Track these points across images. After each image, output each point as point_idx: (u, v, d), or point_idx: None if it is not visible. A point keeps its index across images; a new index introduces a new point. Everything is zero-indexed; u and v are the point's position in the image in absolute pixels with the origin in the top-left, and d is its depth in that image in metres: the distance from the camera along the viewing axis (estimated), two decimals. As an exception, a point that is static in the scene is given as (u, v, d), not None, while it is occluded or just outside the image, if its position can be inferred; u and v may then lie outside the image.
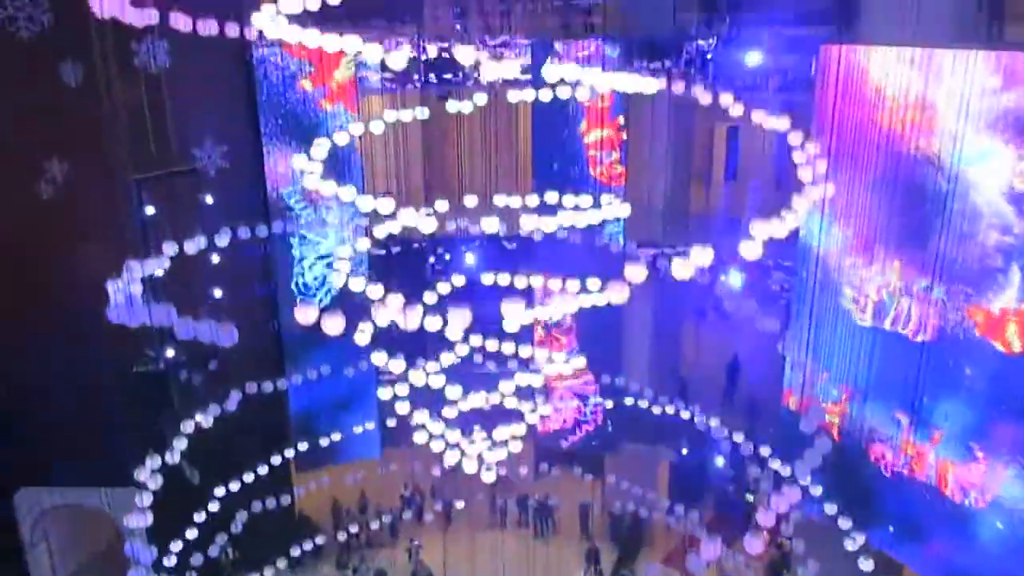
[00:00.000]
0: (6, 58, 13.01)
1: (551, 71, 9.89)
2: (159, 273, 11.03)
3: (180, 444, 11.82)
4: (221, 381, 13.83)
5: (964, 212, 12.60)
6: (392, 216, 10.03)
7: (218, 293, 15.43)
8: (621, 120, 17.35)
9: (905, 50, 12.95)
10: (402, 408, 10.66)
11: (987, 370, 12.65)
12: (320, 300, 17.20)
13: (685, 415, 14.77)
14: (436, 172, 19.24)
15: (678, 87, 11.49)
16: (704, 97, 10.94)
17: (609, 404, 17.35)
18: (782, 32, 16.36)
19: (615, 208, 11.63)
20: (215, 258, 14.71)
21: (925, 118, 12.86)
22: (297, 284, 17.21)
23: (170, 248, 11.27)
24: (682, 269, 7.10)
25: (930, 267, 13.10)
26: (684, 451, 17.64)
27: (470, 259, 18.51)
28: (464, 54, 8.90)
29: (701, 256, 7.19)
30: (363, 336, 9.71)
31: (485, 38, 16.36)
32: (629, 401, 15.93)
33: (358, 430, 16.82)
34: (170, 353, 13.96)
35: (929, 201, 13.06)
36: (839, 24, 15.18)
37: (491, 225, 10.74)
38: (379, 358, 9.64)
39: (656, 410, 15.13)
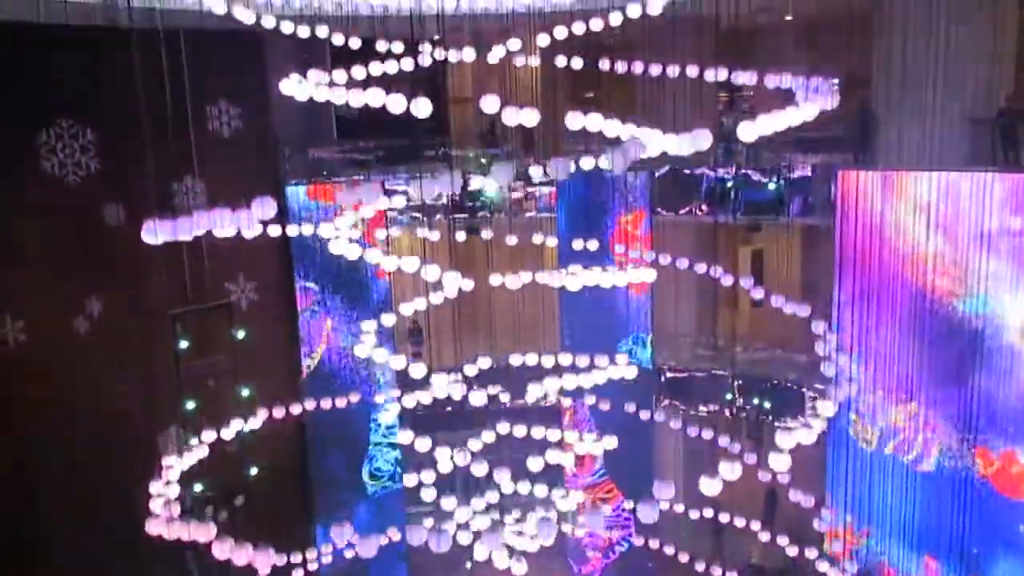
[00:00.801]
0: (54, 202, 13.60)
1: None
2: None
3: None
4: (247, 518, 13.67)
5: (993, 352, 12.60)
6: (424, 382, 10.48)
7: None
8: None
9: (922, 177, 13.19)
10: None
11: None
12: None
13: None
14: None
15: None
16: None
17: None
18: (800, 158, 16.77)
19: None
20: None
21: (944, 250, 13.01)
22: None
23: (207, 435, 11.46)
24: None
25: (953, 410, 13.06)
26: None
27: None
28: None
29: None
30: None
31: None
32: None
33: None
34: (197, 488, 13.85)
35: (952, 339, 13.07)
36: (856, 150, 15.55)
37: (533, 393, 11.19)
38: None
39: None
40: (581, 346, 14.82)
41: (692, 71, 12.84)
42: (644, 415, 15.09)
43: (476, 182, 16.10)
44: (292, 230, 14.39)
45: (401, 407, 12.81)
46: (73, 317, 13.88)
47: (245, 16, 11.58)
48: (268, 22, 11.92)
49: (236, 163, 15.38)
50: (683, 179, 17.39)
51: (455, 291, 10.49)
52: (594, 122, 9.29)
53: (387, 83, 10.44)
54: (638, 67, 12.78)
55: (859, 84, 18.59)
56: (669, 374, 17.95)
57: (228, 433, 12.44)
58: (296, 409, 13.99)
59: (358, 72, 11.83)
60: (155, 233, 8.13)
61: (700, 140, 7.16)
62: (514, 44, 12.93)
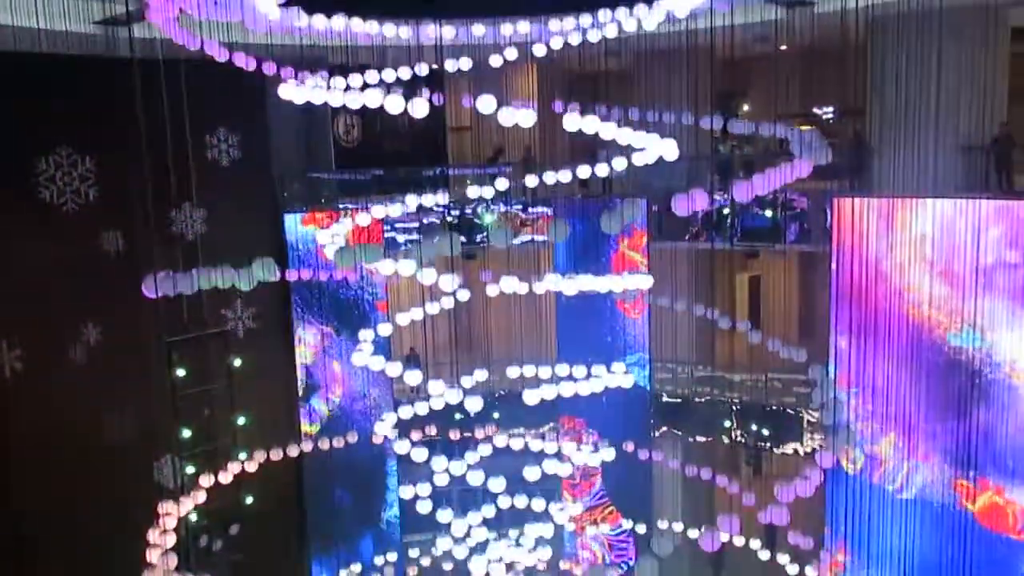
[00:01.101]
0: (52, 230, 13.63)
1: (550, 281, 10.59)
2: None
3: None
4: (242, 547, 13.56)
5: (990, 386, 12.66)
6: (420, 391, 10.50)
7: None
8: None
9: (917, 208, 13.25)
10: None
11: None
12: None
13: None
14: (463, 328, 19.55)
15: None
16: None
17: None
18: (796, 184, 16.85)
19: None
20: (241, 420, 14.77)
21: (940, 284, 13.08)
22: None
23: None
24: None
25: (946, 443, 13.10)
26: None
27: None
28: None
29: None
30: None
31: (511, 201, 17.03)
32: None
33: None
34: (193, 518, 13.75)
35: (949, 372, 13.11)
36: (851, 177, 15.65)
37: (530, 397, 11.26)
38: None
39: None
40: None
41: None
42: (642, 450, 15.18)
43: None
44: (291, 275, 14.39)
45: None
46: (70, 345, 13.86)
47: (245, 62, 11.71)
48: (269, 68, 12.01)
49: (235, 191, 15.47)
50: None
51: (454, 295, 10.49)
52: (592, 125, 9.38)
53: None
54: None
55: (854, 112, 18.76)
56: (666, 399, 17.90)
57: (225, 475, 12.47)
58: (293, 451, 14.05)
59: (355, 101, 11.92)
60: (155, 290, 8.27)
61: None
62: (511, 53, 13.04)
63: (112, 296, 13.85)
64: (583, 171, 10.38)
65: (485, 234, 17.47)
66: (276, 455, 13.67)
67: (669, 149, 10.00)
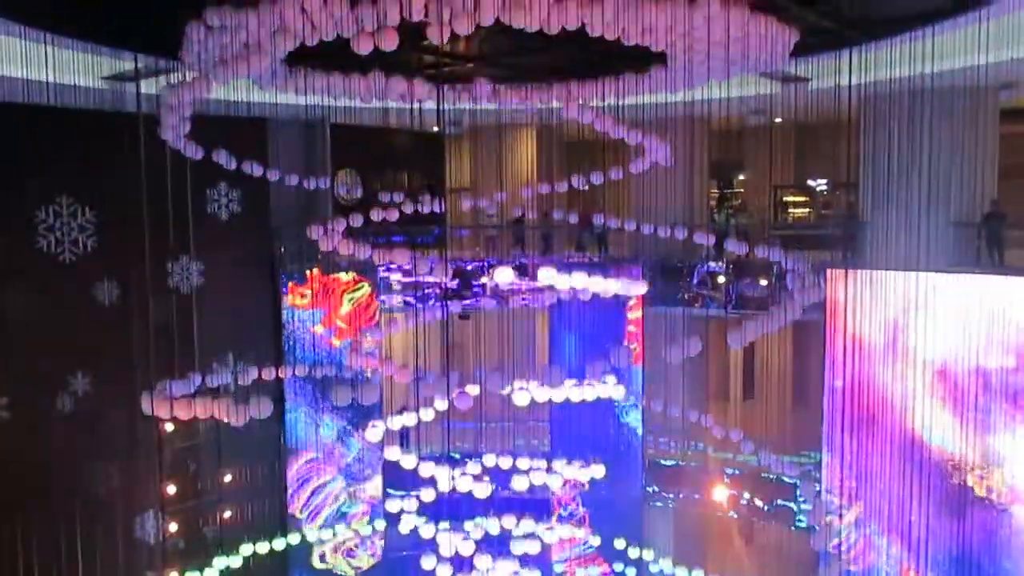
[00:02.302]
0: (47, 279, 13.63)
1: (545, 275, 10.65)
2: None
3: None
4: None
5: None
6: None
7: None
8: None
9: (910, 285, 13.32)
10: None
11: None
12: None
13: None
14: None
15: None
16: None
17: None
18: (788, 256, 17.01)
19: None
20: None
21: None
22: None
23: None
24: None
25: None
26: None
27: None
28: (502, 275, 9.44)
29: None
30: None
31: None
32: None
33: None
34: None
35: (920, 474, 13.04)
36: (844, 249, 15.83)
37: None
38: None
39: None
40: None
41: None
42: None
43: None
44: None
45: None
46: (58, 394, 13.74)
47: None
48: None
49: (233, 245, 15.54)
50: (674, 270, 17.55)
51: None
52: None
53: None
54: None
55: (847, 186, 19.05)
56: (662, 462, 17.75)
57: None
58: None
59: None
60: (151, 410, 8.44)
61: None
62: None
63: (102, 347, 13.81)
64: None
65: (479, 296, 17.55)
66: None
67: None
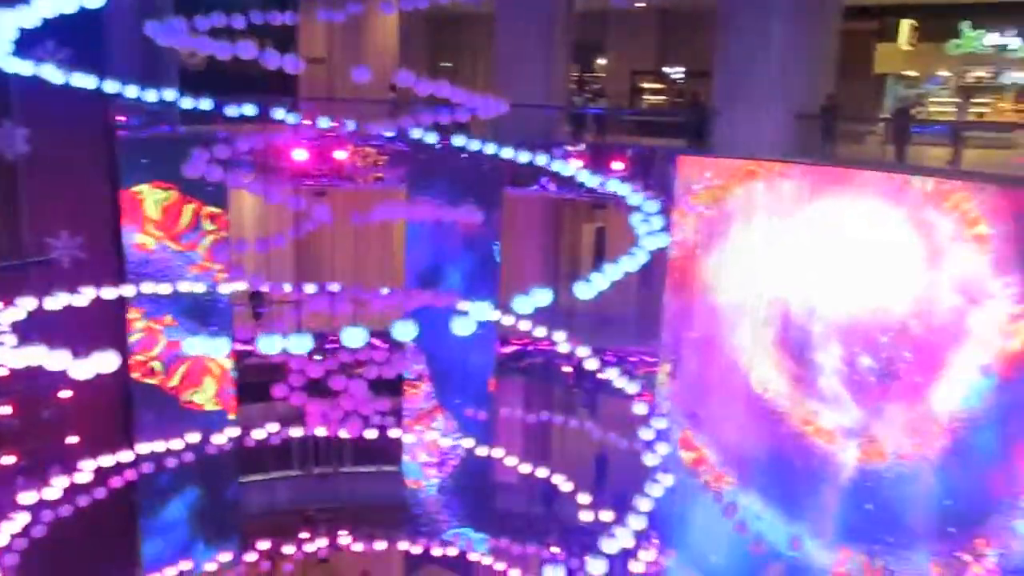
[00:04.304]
0: None
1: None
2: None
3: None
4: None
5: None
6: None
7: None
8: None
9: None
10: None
11: None
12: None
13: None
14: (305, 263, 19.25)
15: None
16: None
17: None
18: (642, 143, 17.53)
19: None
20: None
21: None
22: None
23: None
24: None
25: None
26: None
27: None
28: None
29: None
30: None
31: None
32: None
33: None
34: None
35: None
36: (693, 137, 16.45)
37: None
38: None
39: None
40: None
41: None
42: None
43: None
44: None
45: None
46: None
47: None
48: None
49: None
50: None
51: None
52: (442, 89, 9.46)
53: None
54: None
55: (701, 75, 19.61)
56: (512, 347, 18.33)
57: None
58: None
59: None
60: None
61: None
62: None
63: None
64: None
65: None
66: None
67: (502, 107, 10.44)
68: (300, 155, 12.37)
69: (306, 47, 19.75)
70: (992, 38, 20.74)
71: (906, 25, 21.59)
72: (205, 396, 16.34)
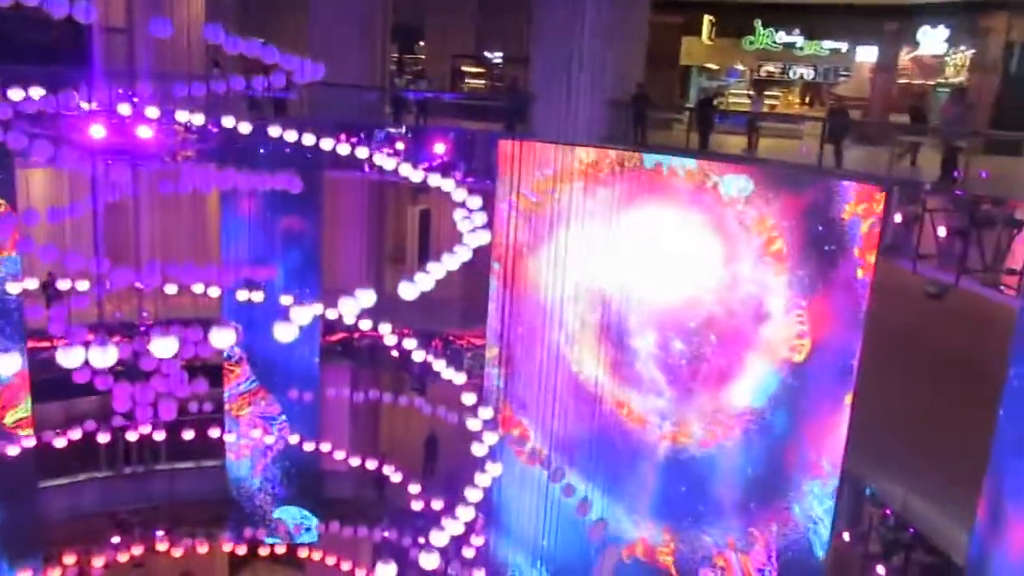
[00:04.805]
0: None
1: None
2: None
3: None
4: None
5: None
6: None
7: None
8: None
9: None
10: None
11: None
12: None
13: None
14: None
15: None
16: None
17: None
18: (464, 126, 17.64)
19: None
20: None
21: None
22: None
23: None
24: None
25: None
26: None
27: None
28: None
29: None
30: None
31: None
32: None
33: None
34: None
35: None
36: (510, 122, 16.80)
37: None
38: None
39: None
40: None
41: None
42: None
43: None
44: None
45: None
46: None
47: None
48: None
49: None
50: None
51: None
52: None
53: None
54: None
55: (519, 60, 20.00)
56: (337, 335, 17.98)
57: None
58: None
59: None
60: None
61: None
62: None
63: None
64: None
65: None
66: None
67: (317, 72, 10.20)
68: (98, 131, 11.27)
69: (104, 16, 18.29)
70: (782, 36, 22.56)
71: (707, 21, 23.03)
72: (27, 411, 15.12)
